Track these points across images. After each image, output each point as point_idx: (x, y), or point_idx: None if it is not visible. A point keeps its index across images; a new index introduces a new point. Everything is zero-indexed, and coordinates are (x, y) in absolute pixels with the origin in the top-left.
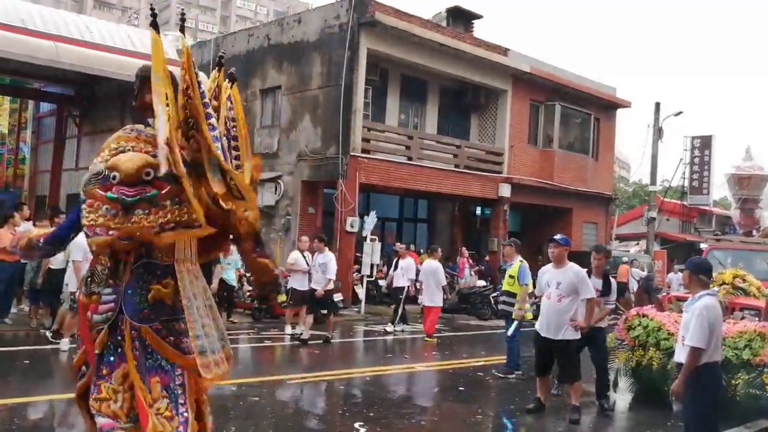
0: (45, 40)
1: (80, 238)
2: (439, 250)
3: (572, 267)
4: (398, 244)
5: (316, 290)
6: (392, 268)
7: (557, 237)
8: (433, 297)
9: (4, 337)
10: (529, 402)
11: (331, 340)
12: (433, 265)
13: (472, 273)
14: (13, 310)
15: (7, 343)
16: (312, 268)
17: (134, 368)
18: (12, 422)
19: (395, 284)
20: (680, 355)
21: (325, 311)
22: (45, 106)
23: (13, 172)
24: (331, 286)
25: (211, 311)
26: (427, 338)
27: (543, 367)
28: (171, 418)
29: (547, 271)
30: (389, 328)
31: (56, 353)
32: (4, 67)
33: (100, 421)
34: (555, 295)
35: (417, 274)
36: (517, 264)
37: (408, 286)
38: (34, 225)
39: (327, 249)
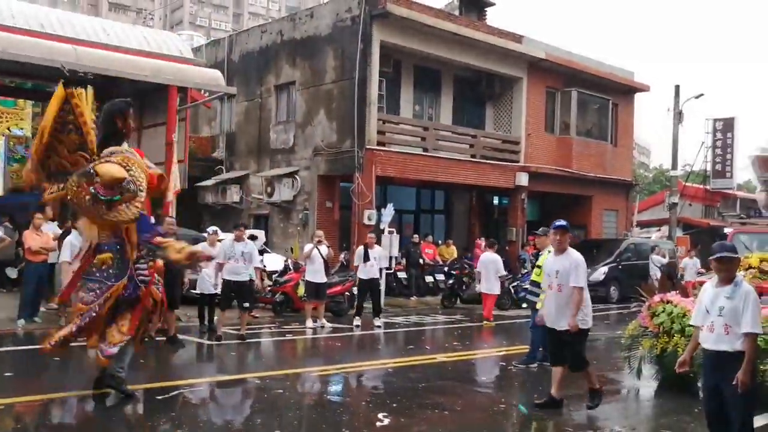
0: (64, 44)
1: (72, 239)
2: (497, 244)
3: (570, 254)
4: (370, 235)
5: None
6: (360, 259)
7: (560, 222)
8: (491, 285)
9: (34, 335)
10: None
11: (246, 339)
12: (492, 256)
13: None
14: (42, 309)
15: (38, 341)
16: (233, 258)
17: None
18: (44, 418)
19: (368, 276)
20: (721, 343)
21: (246, 305)
22: None
23: None
24: (253, 276)
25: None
26: (486, 323)
27: (554, 357)
28: (123, 333)
29: (549, 259)
30: (378, 322)
31: (84, 350)
32: (25, 71)
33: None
34: (555, 284)
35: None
36: (545, 254)
37: (378, 278)
38: (59, 226)
39: (246, 238)
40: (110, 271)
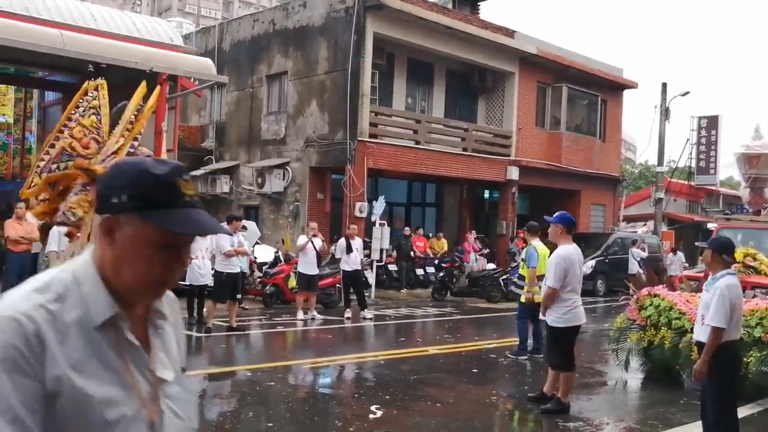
0: (50, 28)
1: (59, 227)
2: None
3: (556, 250)
4: (352, 226)
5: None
6: (342, 251)
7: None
8: None
9: None
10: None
11: (236, 331)
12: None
13: (478, 257)
14: None
15: None
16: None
17: None
18: None
19: (351, 267)
20: (699, 334)
21: (239, 296)
22: (50, 95)
23: (19, 162)
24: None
25: None
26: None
27: (546, 353)
28: None
29: None
30: (368, 315)
31: None
32: (8, 56)
33: None
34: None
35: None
36: (527, 248)
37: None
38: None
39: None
40: None
